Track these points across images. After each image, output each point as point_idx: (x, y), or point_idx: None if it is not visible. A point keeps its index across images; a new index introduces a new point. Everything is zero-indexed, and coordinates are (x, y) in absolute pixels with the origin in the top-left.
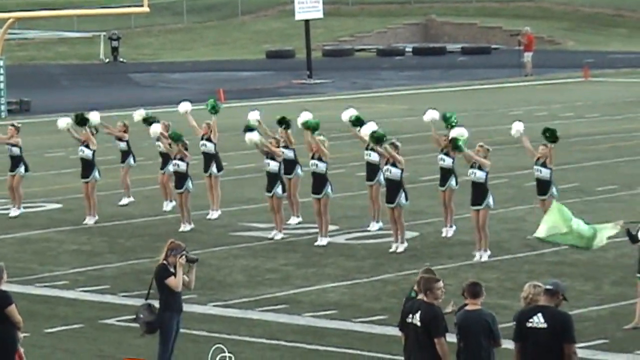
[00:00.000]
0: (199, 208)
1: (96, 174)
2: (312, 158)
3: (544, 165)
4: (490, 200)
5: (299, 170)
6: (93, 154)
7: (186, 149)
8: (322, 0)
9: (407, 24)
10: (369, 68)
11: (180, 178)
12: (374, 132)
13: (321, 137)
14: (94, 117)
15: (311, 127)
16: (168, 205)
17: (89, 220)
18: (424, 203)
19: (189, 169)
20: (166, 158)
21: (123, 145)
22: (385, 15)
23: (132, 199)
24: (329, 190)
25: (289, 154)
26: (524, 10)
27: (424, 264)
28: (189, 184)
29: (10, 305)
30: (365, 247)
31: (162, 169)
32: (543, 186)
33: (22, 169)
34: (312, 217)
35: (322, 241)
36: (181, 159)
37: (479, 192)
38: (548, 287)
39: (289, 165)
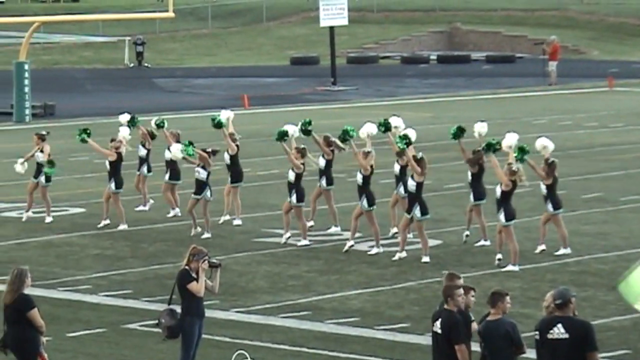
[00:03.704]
0: (217, 214)
1: (112, 185)
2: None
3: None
4: (501, 216)
5: (324, 182)
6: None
7: (208, 156)
8: (347, 7)
9: (432, 32)
10: (393, 75)
11: (199, 185)
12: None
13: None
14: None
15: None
16: (139, 207)
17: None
18: (447, 211)
19: (209, 178)
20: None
21: (143, 152)
22: (410, 22)
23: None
24: (365, 203)
25: (322, 163)
26: (549, 19)
27: (442, 272)
28: (207, 193)
29: (32, 309)
30: (389, 254)
31: (138, 170)
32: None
33: (43, 177)
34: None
35: (349, 244)
36: (203, 167)
37: (497, 205)
38: (557, 302)
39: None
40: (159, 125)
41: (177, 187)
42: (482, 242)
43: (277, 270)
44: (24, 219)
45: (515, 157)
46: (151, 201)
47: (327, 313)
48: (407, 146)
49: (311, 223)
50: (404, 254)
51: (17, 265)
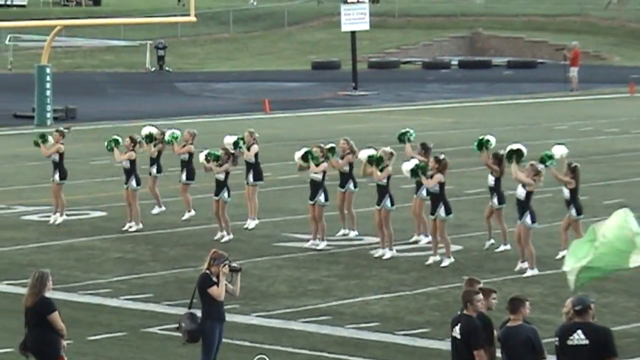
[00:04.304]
0: (239, 218)
1: (133, 183)
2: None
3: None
4: (527, 218)
5: (351, 185)
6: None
7: (230, 159)
8: (368, 12)
9: (453, 37)
10: (414, 80)
11: (217, 186)
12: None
13: (387, 149)
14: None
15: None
16: (155, 209)
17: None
18: (468, 216)
19: (227, 179)
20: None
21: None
22: (432, 27)
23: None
24: (388, 203)
25: (345, 167)
26: (570, 24)
27: (462, 277)
28: (225, 194)
29: (53, 313)
30: (409, 259)
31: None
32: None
33: (57, 175)
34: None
35: (381, 252)
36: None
37: (519, 208)
38: (577, 308)
39: (343, 178)
40: (173, 138)
41: (192, 189)
42: (502, 247)
43: (297, 274)
44: (51, 222)
45: (545, 163)
46: (163, 208)
47: (347, 318)
48: (423, 174)
49: (346, 231)
50: (437, 258)
51: (38, 269)
